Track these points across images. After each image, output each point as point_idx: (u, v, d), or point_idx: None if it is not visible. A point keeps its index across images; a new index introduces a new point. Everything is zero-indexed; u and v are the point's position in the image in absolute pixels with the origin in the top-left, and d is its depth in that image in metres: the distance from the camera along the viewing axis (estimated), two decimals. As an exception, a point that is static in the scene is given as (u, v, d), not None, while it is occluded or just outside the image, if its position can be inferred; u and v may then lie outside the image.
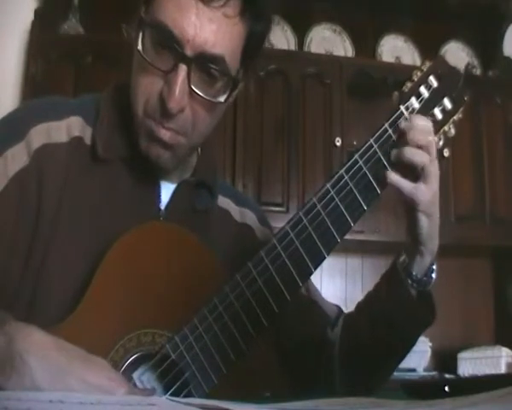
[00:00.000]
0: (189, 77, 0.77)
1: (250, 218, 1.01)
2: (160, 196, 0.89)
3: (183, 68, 0.77)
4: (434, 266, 0.87)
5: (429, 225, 0.83)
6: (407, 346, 0.91)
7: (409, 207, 0.83)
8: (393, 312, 0.86)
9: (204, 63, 0.78)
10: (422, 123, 0.82)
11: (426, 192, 0.81)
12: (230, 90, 0.82)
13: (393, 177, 0.81)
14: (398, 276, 0.86)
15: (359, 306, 0.94)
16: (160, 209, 0.88)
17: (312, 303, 0.98)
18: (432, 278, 0.87)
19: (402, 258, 0.87)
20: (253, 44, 0.83)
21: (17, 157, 0.81)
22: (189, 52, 0.77)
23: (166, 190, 0.90)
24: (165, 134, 0.80)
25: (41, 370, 0.61)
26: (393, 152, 0.82)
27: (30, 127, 0.83)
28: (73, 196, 0.82)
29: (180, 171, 0.92)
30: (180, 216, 0.88)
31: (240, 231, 0.99)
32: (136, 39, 0.79)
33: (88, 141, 0.86)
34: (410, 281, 0.85)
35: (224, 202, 0.98)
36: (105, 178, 0.85)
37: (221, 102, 0.82)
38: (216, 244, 0.88)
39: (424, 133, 0.81)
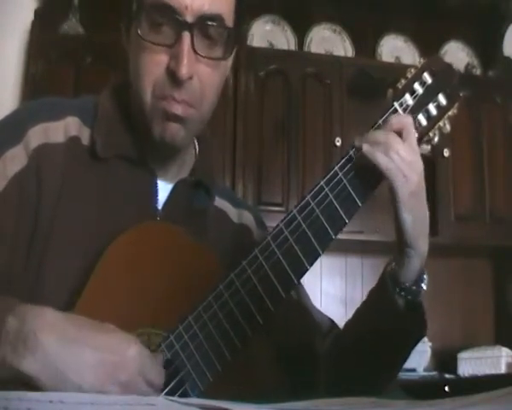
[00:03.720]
0: (193, 43, 0.79)
1: (247, 218, 1.01)
2: (157, 195, 0.89)
3: (186, 35, 0.79)
4: (425, 276, 0.84)
5: (413, 222, 0.80)
6: (399, 359, 0.89)
7: (391, 202, 0.80)
8: (380, 324, 0.84)
9: (204, 25, 0.80)
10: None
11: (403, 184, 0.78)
12: (232, 46, 0.84)
13: (367, 147, 0.79)
14: (385, 285, 0.84)
15: (347, 324, 0.92)
16: (157, 209, 0.88)
17: (301, 309, 0.97)
18: (422, 288, 0.84)
19: (390, 266, 0.85)
20: (241, 8, 0.87)
21: (16, 158, 0.81)
22: (189, 18, 0.79)
23: (164, 190, 0.90)
24: (177, 108, 0.81)
25: (52, 344, 0.64)
26: (357, 155, 0.80)
27: (28, 128, 0.83)
28: (71, 196, 0.82)
29: (177, 170, 0.92)
30: (177, 216, 0.88)
31: (237, 231, 0.99)
32: (135, 25, 0.81)
33: (85, 141, 0.86)
34: (397, 289, 0.83)
35: (221, 203, 0.98)
36: (102, 177, 0.85)
37: (225, 59, 0.84)
38: (213, 244, 0.88)
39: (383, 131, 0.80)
